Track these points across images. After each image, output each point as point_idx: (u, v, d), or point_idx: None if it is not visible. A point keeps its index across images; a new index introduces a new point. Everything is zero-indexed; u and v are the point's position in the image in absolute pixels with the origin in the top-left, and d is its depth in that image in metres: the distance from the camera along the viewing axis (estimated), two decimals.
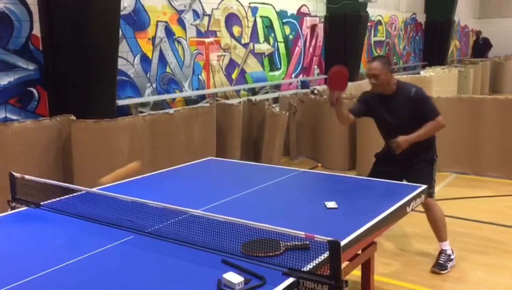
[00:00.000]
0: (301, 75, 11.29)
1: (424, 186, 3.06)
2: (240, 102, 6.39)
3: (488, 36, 18.43)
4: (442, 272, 3.66)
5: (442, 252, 3.75)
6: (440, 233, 3.75)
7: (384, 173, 3.51)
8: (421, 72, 11.57)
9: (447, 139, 6.27)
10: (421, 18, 17.45)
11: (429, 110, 3.62)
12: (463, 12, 19.91)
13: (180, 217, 2.39)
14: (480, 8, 22.20)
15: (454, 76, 11.34)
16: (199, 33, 8.52)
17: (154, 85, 7.73)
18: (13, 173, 2.88)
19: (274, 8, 10.32)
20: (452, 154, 6.28)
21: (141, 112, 7.09)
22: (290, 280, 1.85)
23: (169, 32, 7.96)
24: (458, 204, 5.29)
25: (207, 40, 8.69)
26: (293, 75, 11.07)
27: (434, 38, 16.99)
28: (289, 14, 10.83)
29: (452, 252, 3.77)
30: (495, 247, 4.18)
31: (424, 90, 3.72)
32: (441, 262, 3.71)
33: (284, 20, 10.66)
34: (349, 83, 9.40)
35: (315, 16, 11.70)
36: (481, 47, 15.68)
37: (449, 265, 3.71)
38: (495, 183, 6.00)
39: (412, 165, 3.64)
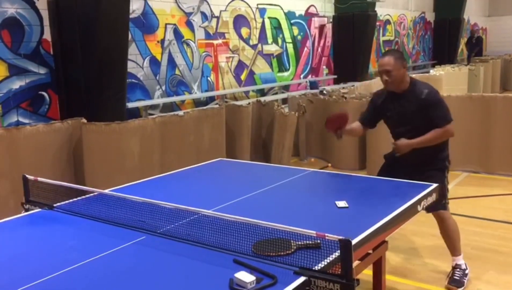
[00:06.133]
0: (309, 76, 11.28)
1: (435, 185, 3.01)
2: (249, 103, 6.40)
3: (498, 34, 18.33)
4: (459, 289, 3.41)
5: (456, 267, 3.50)
6: (454, 247, 3.50)
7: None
8: (431, 71, 11.52)
9: (458, 138, 6.19)
10: (430, 16, 17.37)
11: (439, 116, 3.31)
12: (473, 10, 19.78)
13: (191, 218, 2.41)
14: (489, 6, 22.04)
15: (464, 74, 11.27)
16: (208, 35, 8.55)
17: (163, 88, 7.77)
18: (27, 175, 2.92)
19: (282, 9, 10.33)
20: (463, 153, 6.24)
21: (151, 114, 7.13)
22: (302, 279, 1.86)
23: (177, 34, 8.00)
24: (471, 203, 5.25)
25: (215, 42, 8.72)
26: (301, 76, 11.07)
27: (443, 36, 16.93)
28: (297, 14, 10.83)
29: (466, 266, 3.53)
30: (508, 245, 4.15)
31: (438, 93, 3.41)
32: (457, 278, 3.45)
33: (292, 21, 10.67)
34: (358, 83, 9.44)
35: (323, 16, 11.69)
36: (474, 45, 15.88)
37: (465, 281, 3.46)
38: (507, 182, 5.95)
39: (422, 172, 3.32)
